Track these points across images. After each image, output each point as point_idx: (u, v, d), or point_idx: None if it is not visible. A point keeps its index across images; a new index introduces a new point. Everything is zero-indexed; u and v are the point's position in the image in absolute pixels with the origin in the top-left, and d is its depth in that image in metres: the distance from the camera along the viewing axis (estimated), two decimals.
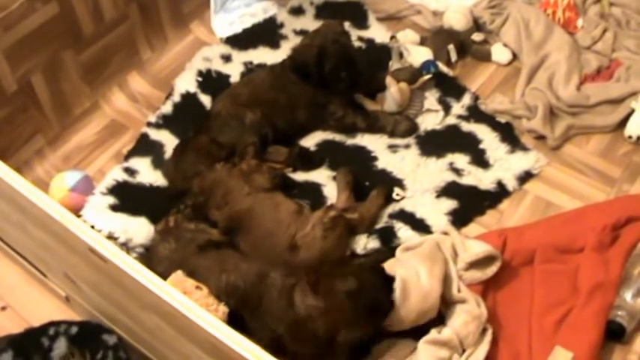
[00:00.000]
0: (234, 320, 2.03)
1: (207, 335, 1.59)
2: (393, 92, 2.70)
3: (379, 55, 2.98)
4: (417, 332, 2.11)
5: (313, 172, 2.63)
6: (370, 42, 3.05)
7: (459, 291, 2.16)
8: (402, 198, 2.53)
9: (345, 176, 2.52)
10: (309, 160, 2.65)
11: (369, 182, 2.55)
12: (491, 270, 2.22)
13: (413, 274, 2.09)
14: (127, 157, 2.70)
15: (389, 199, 2.52)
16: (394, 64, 2.87)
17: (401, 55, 2.90)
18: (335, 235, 2.31)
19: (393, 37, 2.96)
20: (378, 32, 3.09)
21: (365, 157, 2.66)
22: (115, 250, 1.69)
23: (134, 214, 2.44)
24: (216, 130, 2.63)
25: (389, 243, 2.39)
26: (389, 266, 2.16)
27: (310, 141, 2.72)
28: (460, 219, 2.48)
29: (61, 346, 2.06)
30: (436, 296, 2.08)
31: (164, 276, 2.11)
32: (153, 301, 1.67)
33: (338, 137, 2.72)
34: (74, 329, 2.09)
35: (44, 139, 2.77)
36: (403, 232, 2.42)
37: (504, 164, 2.62)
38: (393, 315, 2.05)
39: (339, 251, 2.34)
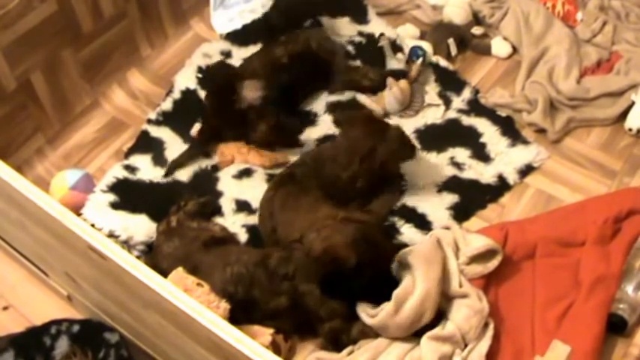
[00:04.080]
0: (241, 311, 2.09)
1: (209, 333, 1.59)
2: (395, 92, 2.70)
3: (379, 50, 2.97)
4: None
5: None
6: (370, 37, 3.04)
7: (460, 285, 2.15)
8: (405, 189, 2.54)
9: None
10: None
11: None
12: (493, 264, 2.21)
13: (409, 284, 2.09)
14: (127, 155, 2.70)
15: None
16: (389, 61, 2.87)
17: (395, 51, 2.90)
18: None
19: (382, 35, 2.97)
20: (378, 27, 3.07)
21: None
22: (114, 248, 1.70)
23: (135, 211, 2.45)
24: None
25: (391, 240, 2.38)
26: None
27: (311, 136, 2.72)
28: (461, 213, 2.48)
29: (62, 345, 2.06)
30: (433, 299, 2.07)
31: (169, 272, 2.12)
32: (153, 299, 1.67)
33: (338, 132, 2.71)
34: (76, 328, 2.09)
35: (44, 138, 2.77)
36: (406, 229, 2.42)
37: (505, 158, 2.61)
38: (387, 326, 2.07)
39: None
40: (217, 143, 2.68)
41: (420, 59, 2.80)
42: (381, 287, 2.10)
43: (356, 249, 2.05)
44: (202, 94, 2.85)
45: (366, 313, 2.10)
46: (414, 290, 2.07)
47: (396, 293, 2.06)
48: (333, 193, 2.41)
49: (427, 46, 2.91)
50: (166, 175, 2.60)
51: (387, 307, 2.06)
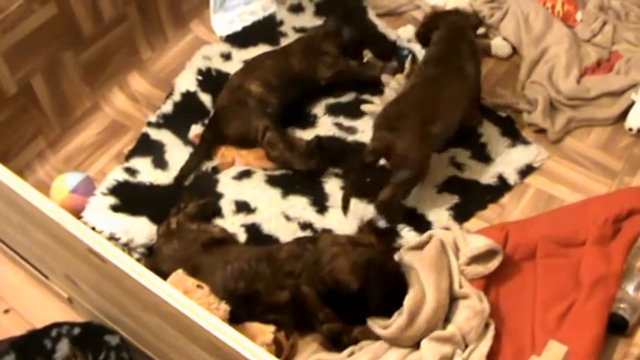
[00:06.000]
0: (242, 306, 2.12)
1: (208, 335, 1.59)
2: (393, 85, 2.71)
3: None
4: None
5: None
6: None
7: (460, 286, 2.15)
8: None
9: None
10: (329, 150, 2.65)
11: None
12: (493, 264, 2.21)
13: (419, 295, 2.08)
14: (127, 157, 2.70)
15: None
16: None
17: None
18: None
19: None
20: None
21: None
22: (114, 250, 1.70)
23: (135, 214, 2.44)
24: (223, 125, 2.66)
25: (392, 244, 2.38)
26: None
27: (311, 136, 2.70)
28: (462, 214, 2.48)
29: (63, 348, 2.06)
30: (444, 309, 2.09)
31: (169, 274, 2.12)
32: (153, 301, 1.68)
33: (338, 133, 2.71)
34: (76, 330, 2.09)
35: (45, 141, 2.77)
36: (406, 232, 2.42)
37: (505, 158, 2.61)
38: (400, 338, 2.06)
39: None
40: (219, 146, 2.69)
41: (409, 58, 2.80)
42: (387, 306, 2.11)
43: (359, 274, 2.06)
44: (202, 96, 2.85)
45: (377, 324, 2.09)
46: (427, 302, 2.07)
47: (408, 305, 2.06)
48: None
49: None
50: (177, 180, 2.60)
51: (399, 320, 2.05)
